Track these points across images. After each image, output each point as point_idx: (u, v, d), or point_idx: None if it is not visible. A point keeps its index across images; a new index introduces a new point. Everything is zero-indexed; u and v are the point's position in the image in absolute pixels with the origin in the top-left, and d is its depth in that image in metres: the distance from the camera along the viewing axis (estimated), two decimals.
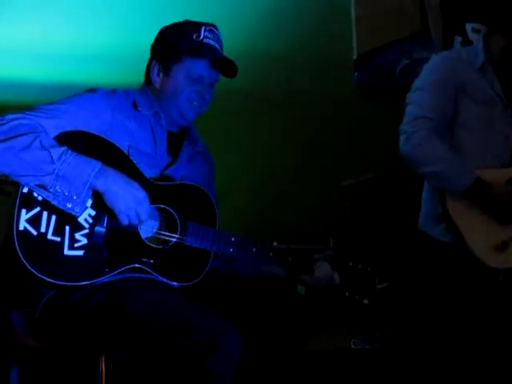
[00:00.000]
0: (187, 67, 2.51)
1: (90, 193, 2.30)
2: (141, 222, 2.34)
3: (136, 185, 2.34)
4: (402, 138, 2.90)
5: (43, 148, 2.26)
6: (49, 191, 2.26)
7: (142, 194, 2.33)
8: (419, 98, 2.95)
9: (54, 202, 2.28)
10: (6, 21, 3.62)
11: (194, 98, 2.53)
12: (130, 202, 2.30)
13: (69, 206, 2.28)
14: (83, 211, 2.31)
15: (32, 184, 2.26)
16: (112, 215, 2.32)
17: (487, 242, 2.82)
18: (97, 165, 2.29)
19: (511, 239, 2.82)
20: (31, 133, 2.28)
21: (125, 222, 2.32)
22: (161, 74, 2.56)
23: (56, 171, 2.25)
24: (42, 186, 2.26)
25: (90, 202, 2.34)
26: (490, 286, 2.82)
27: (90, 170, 2.28)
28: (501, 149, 2.95)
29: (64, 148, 2.29)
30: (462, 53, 3.08)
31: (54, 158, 2.25)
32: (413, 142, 2.87)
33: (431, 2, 3.99)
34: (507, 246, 2.81)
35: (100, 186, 2.29)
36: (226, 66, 2.54)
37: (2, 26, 3.62)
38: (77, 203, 2.28)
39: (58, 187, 2.25)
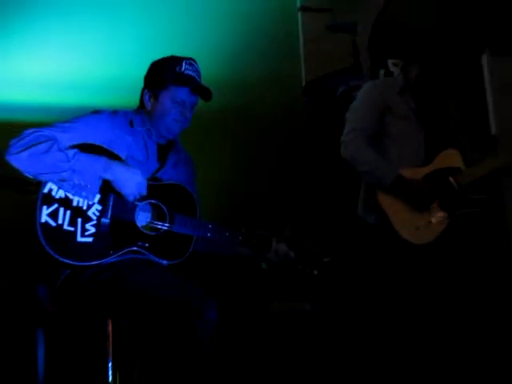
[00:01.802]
0: (172, 93, 2.49)
1: (100, 182, 2.31)
2: (142, 196, 2.37)
3: (135, 170, 2.36)
4: (342, 146, 2.93)
5: (60, 150, 2.27)
6: (68, 183, 2.25)
7: (140, 178, 2.35)
8: (354, 116, 2.98)
9: (71, 192, 2.28)
10: (27, 54, 3.59)
11: (178, 117, 2.51)
12: (133, 185, 2.33)
13: (84, 194, 2.28)
14: (94, 198, 2.31)
15: (54, 179, 2.25)
16: (120, 196, 2.34)
17: (410, 226, 2.81)
18: (102, 159, 2.31)
19: (427, 222, 2.82)
20: (49, 140, 2.28)
21: (131, 199, 2.35)
22: (151, 99, 2.53)
23: (72, 168, 2.25)
24: (62, 180, 2.25)
25: (97, 199, 2.32)
26: (411, 257, 2.83)
27: (98, 165, 2.29)
28: (416, 153, 2.94)
29: (75, 149, 2.30)
30: (387, 81, 3.16)
31: (69, 157, 2.26)
32: (349, 149, 2.89)
33: (361, 44, 4.02)
34: (423, 227, 2.81)
35: (108, 176, 2.31)
36: (202, 92, 2.52)
37: (28, 61, 3.59)
38: (89, 191, 2.28)
39: (75, 180, 2.25)
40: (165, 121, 2.49)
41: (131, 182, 2.31)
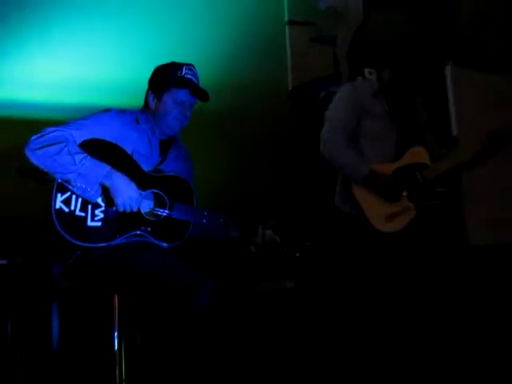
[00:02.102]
0: (173, 94, 2.49)
1: (100, 187, 2.30)
2: (132, 211, 2.33)
3: (133, 185, 2.33)
4: (321, 142, 2.86)
5: (69, 154, 2.26)
6: (72, 185, 2.26)
7: (135, 194, 2.32)
8: (333, 114, 2.91)
9: (76, 192, 2.27)
10: (49, 59, 3.58)
11: (179, 116, 2.51)
12: (126, 198, 2.30)
13: (85, 194, 2.28)
14: (96, 198, 2.30)
15: (61, 178, 2.26)
16: (113, 204, 2.32)
17: (381, 216, 2.78)
18: (106, 167, 2.29)
19: (396, 212, 2.81)
20: (62, 142, 2.28)
21: (120, 209, 2.31)
22: (155, 100, 2.53)
23: (77, 171, 2.25)
24: (67, 181, 2.26)
25: None
26: (381, 244, 2.81)
27: (100, 172, 2.28)
28: (389, 150, 2.90)
29: (84, 154, 2.29)
30: (363, 84, 3.08)
31: (76, 161, 2.26)
32: (327, 145, 2.82)
33: (341, 55, 4.02)
34: (393, 217, 2.81)
35: (107, 183, 2.29)
36: (200, 94, 2.52)
37: (48, 64, 3.59)
38: (90, 194, 2.28)
39: (78, 182, 2.25)
40: (167, 119, 2.49)
41: (126, 193, 2.29)
